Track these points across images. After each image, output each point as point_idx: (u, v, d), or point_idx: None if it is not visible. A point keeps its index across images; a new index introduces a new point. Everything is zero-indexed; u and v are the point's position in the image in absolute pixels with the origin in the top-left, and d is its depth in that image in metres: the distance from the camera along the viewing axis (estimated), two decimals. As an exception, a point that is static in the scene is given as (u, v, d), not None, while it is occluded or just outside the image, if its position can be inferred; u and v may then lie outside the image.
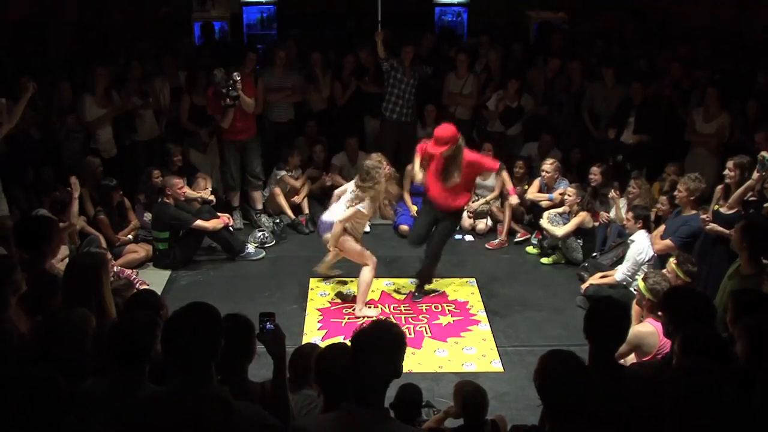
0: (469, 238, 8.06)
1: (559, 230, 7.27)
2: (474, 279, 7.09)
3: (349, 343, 2.73)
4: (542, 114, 8.79)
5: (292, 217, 8.15)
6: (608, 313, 3.33)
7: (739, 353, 3.36)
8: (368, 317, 6.11)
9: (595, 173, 7.63)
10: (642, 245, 6.27)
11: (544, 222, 7.41)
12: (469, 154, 6.27)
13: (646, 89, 8.07)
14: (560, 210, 7.49)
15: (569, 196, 7.37)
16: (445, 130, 6.10)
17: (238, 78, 7.47)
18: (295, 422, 2.83)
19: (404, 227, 7.97)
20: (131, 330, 3.14)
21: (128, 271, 6.53)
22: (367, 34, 8.22)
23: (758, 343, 3.28)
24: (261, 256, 7.49)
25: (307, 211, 8.23)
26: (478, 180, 8.20)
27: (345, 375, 2.72)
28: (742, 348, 3.34)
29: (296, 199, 8.28)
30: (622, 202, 7.27)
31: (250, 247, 7.50)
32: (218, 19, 11.23)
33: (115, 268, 6.08)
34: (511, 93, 8.46)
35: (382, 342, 2.58)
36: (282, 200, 8.16)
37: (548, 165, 7.77)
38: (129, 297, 4.24)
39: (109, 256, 5.97)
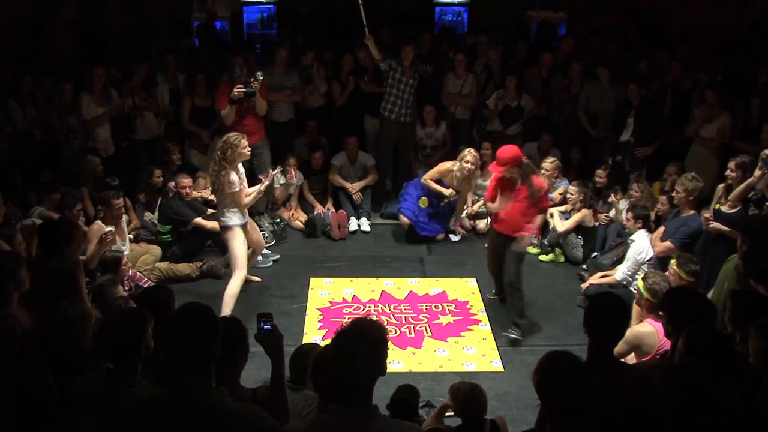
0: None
1: (560, 225, 7.31)
2: (474, 279, 7.09)
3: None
4: (541, 113, 8.79)
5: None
6: (609, 306, 3.37)
7: (753, 354, 3.33)
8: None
9: (600, 176, 7.69)
10: (642, 245, 6.28)
11: (554, 211, 7.44)
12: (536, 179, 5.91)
13: (643, 90, 8.06)
14: (562, 209, 7.54)
15: (572, 194, 7.39)
16: (506, 151, 5.79)
17: (261, 78, 7.38)
18: (284, 426, 2.79)
19: (405, 220, 7.79)
20: (120, 325, 3.15)
21: (139, 274, 6.37)
22: (361, 34, 8.09)
23: None
24: (268, 264, 7.20)
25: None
26: (478, 180, 8.20)
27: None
28: (758, 350, 3.30)
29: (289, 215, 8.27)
30: (623, 204, 7.27)
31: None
32: (218, 18, 11.21)
33: (129, 272, 6.05)
34: (511, 91, 8.45)
35: (364, 341, 2.55)
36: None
37: (548, 164, 7.77)
38: (141, 291, 4.26)
39: (125, 259, 5.95)
